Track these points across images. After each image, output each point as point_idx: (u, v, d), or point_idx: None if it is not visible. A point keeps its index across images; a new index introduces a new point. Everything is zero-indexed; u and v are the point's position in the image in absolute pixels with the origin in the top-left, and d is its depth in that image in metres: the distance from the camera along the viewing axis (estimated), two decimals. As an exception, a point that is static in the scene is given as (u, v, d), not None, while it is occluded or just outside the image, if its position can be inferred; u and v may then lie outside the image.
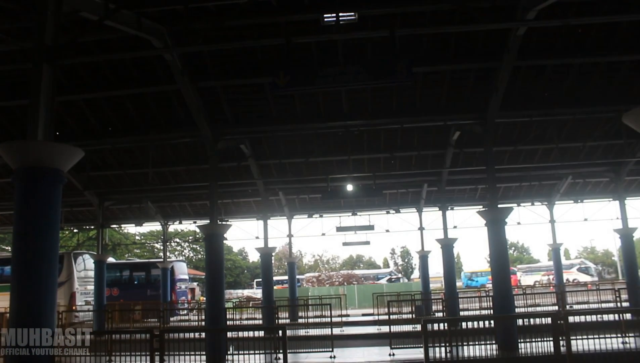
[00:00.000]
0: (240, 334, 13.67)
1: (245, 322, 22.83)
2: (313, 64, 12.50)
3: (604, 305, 24.07)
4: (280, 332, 10.84)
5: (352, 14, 11.63)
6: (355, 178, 20.76)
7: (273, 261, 24.86)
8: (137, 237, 54.91)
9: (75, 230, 34.85)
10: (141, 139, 17.58)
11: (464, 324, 13.42)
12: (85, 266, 26.58)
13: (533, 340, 11.88)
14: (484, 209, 16.00)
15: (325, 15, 11.57)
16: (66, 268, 24.73)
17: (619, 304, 21.85)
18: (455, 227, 27.21)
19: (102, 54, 13.07)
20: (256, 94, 15.46)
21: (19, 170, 8.11)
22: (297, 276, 35.51)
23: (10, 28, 11.62)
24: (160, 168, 20.43)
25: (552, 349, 10.09)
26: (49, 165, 8.18)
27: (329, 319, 16.68)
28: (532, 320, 13.00)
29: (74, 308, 23.94)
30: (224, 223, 16.95)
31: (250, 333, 13.47)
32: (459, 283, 44.47)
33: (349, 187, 20.43)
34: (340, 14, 11.35)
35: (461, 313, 22.02)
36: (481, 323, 13.06)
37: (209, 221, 15.83)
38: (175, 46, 12.01)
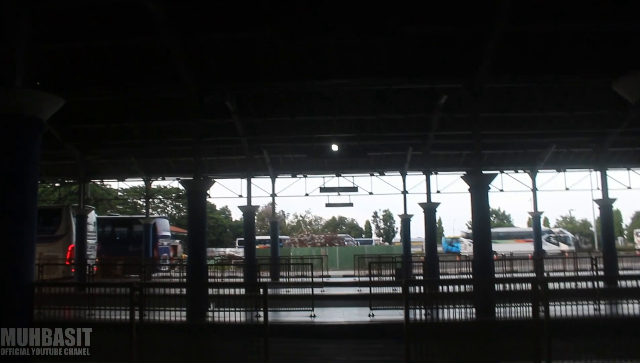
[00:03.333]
0: (222, 291, 13.68)
1: (226, 280, 22.87)
2: (301, 18, 12.18)
3: (580, 274, 24.48)
4: (261, 289, 10.87)
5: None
6: (341, 138, 20.62)
7: (256, 221, 24.86)
8: (120, 193, 54.53)
9: (57, 184, 34.44)
10: (124, 92, 17.13)
11: (444, 288, 13.56)
12: None
13: (509, 305, 12.06)
14: (468, 174, 16.01)
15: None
16: (64, 221, 24.50)
17: (595, 272, 22.17)
18: (438, 192, 27.36)
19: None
20: (243, 49, 15.04)
21: (-4, 117, 7.88)
22: (280, 237, 35.63)
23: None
24: (144, 123, 20.08)
25: (528, 314, 10.23)
26: (28, 113, 7.95)
27: (310, 279, 16.80)
28: (508, 285, 13.14)
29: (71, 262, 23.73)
30: (207, 178, 16.72)
31: (232, 291, 13.49)
32: (439, 248, 45.02)
33: (334, 147, 20.33)
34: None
35: (440, 277, 22.24)
36: (460, 287, 13.20)
37: (192, 178, 15.65)
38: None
